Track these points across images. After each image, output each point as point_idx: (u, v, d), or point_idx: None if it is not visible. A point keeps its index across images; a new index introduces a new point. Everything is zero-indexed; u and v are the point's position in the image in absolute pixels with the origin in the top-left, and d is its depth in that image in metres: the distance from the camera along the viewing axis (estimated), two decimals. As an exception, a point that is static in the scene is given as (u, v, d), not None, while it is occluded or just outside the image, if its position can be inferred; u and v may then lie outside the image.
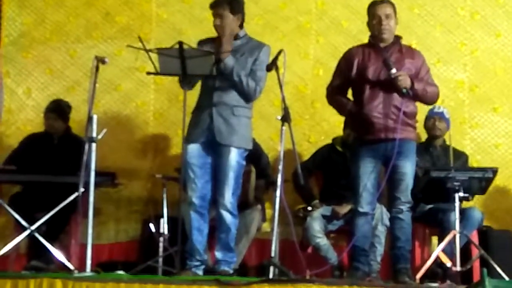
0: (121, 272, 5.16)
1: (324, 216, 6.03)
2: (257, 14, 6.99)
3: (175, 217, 5.42)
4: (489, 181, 5.76)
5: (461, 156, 6.33)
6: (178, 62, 5.14)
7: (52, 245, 5.49)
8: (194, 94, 5.46)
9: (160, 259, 5.69)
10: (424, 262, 5.59)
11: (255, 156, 5.99)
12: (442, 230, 5.74)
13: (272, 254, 4.94)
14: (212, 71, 5.19)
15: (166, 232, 5.81)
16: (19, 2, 7.20)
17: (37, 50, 7.16)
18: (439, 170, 5.64)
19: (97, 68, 5.18)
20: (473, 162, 6.70)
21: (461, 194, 5.44)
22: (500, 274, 5.32)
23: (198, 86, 5.47)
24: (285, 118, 5.00)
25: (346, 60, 5.44)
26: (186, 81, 5.25)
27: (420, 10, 7.04)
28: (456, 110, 6.85)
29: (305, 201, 6.25)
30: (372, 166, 5.27)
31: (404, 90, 5.19)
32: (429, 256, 5.58)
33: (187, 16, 7.10)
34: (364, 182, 5.24)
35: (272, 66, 5.06)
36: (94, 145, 5.04)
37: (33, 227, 5.45)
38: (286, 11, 7.10)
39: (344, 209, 6.01)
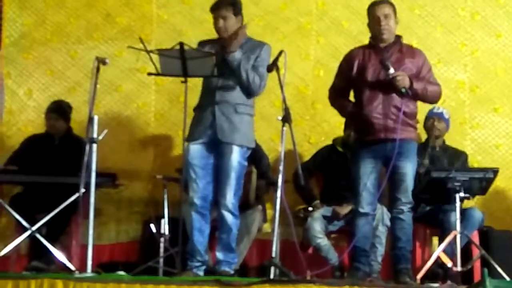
0: (122, 272, 5.18)
1: (324, 217, 6.03)
2: (258, 15, 6.99)
3: (176, 218, 5.42)
4: (490, 181, 5.76)
5: (460, 156, 6.33)
6: (179, 63, 5.14)
7: (53, 245, 5.51)
8: (195, 95, 5.46)
9: (161, 260, 5.69)
10: (424, 262, 5.60)
11: (256, 157, 6.00)
12: (443, 231, 5.74)
13: (273, 255, 4.93)
14: (213, 72, 5.19)
15: (167, 232, 5.82)
16: (19, 3, 7.19)
17: (38, 51, 7.16)
18: (440, 171, 5.65)
19: (98, 69, 5.18)
20: (473, 162, 6.69)
21: (462, 194, 5.45)
22: (501, 274, 5.33)
23: (199, 86, 5.48)
24: (286, 118, 5.00)
25: (347, 62, 5.44)
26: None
27: (420, 11, 7.03)
28: (456, 110, 6.84)
29: (306, 202, 6.25)
30: (372, 166, 5.26)
31: (403, 90, 5.17)
32: (430, 256, 5.59)
33: (188, 17, 7.10)
34: (365, 183, 5.24)
35: (272, 66, 5.06)
36: (95, 146, 5.04)
37: (34, 228, 5.46)
38: (286, 12, 7.09)
39: (345, 209, 6.01)
